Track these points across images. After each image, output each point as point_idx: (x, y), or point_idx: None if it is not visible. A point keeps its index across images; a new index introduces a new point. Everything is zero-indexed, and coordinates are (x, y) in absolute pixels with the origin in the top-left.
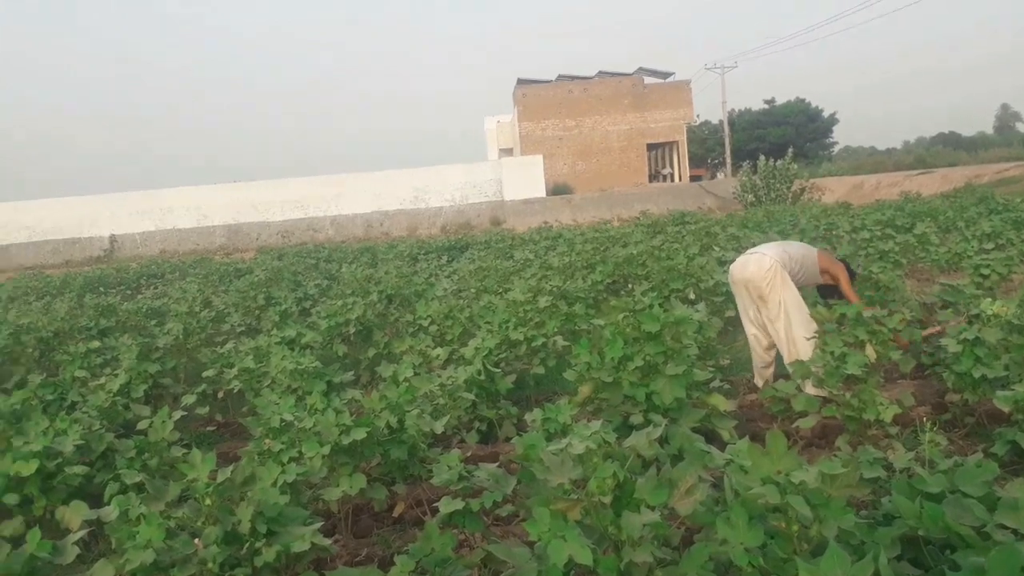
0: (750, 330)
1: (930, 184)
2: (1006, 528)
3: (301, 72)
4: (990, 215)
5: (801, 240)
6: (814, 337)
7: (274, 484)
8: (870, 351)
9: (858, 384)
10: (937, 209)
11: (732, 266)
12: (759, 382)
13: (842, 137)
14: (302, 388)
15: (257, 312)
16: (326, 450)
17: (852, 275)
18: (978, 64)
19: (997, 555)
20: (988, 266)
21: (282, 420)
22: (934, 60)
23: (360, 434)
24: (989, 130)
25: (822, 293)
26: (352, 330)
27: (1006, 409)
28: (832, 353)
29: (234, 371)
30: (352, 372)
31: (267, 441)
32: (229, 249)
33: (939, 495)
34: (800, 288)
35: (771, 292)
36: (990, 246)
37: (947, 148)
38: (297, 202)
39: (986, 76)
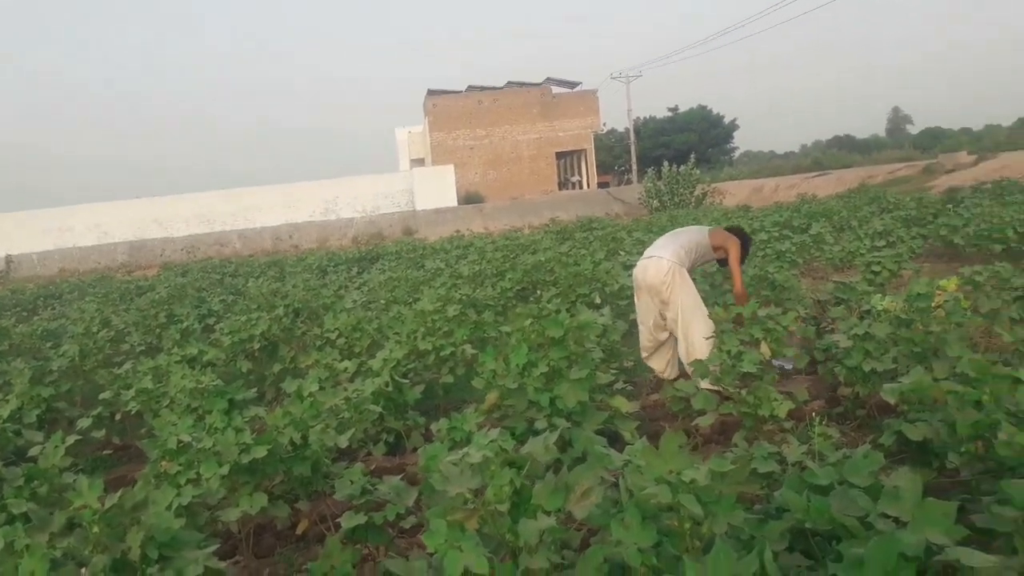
0: (643, 329)
1: (826, 186)
2: (888, 517)
3: (206, 86)
4: (882, 214)
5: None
6: (712, 337)
7: (169, 507)
8: (765, 349)
9: (754, 381)
10: (832, 210)
11: (634, 271)
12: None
13: (742, 142)
14: (202, 407)
15: (158, 331)
16: (225, 470)
17: (747, 242)
18: (871, 69)
19: (875, 544)
20: (879, 263)
21: (179, 441)
22: (829, 66)
23: (261, 452)
24: (882, 132)
25: (721, 263)
26: (257, 346)
27: (893, 401)
28: (728, 352)
29: (132, 392)
30: (256, 389)
31: (163, 463)
32: (132, 267)
33: (828, 487)
34: (703, 266)
35: (671, 295)
36: (881, 244)
37: (842, 151)
38: (203, 216)
39: (878, 80)
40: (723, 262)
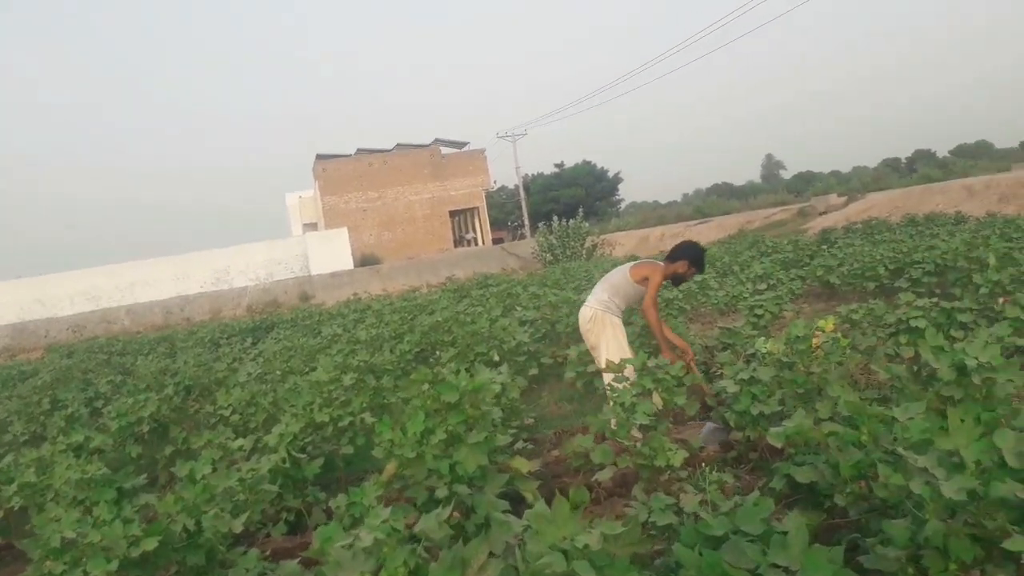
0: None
1: (708, 232)
2: (778, 567)
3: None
4: (761, 258)
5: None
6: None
7: None
8: (657, 399)
9: (649, 432)
10: (714, 255)
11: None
12: None
13: (628, 194)
14: (89, 498)
15: (42, 418)
16: (114, 566)
17: (696, 255)
18: (746, 118)
19: None
20: (761, 306)
21: (63, 538)
22: (705, 116)
23: (151, 544)
24: (757, 178)
25: (675, 282)
26: (146, 428)
27: (779, 445)
28: (622, 404)
29: (14, 487)
30: (147, 474)
31: (47, 563)
32: (14, 350)
33: (722, 538)
34: (637, 301)
35: (596, 340)
36: (763, 287)
37: (721, 198)
38: (88, 293)
39: (753, 129)
40: (677, 280)
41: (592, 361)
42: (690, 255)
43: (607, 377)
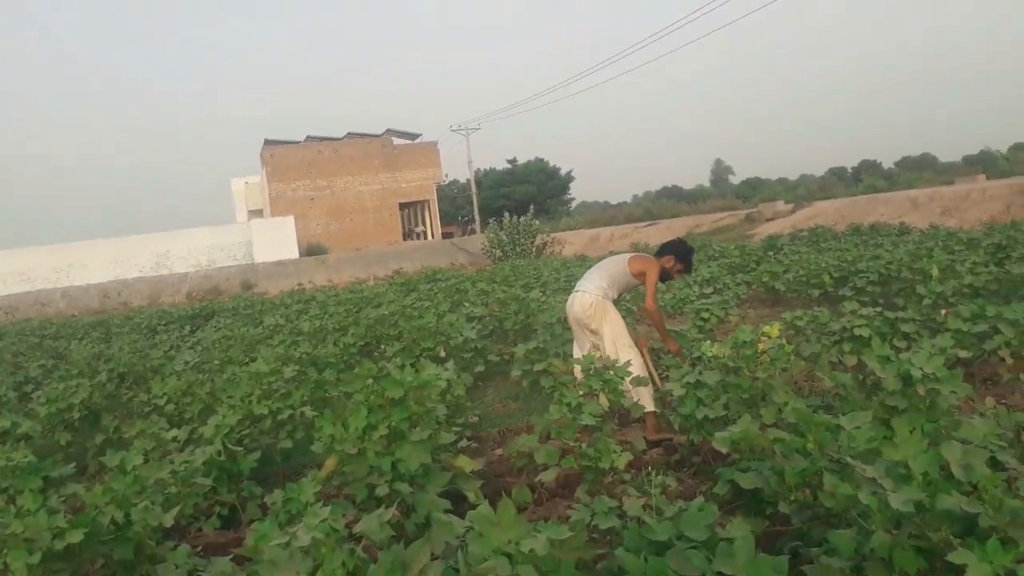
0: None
1: (656, 234)
2: (723, 575)
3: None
4: (708, 262)
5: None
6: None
7: None
8: (603, 400)
9: (594, 433)
10: None
11: (565, 305)
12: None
13: (578, 193)
14: (14, 487)
15: None
16: (36, 558)
17: (685, 253)
18: (696, 122)
19: None
20: (708, 310)
21: None
22: (656, 120)
23: (77, 536)
24: (706, 183)
25: (662, 278)
26: (77, 415)
27: (724, 450)
28: (568, 404)
29: None
30: (76, 463)
31: None
32: None
33: (666, 543)
34: (631, 292)
35: (598, 325)
36: (709, 291)
37: (671, 201)
38: (22, 274)
39: (703, 133)
40: (663, 277)
41: (540, 360)
42: (678, 251)
43: (624, 353)
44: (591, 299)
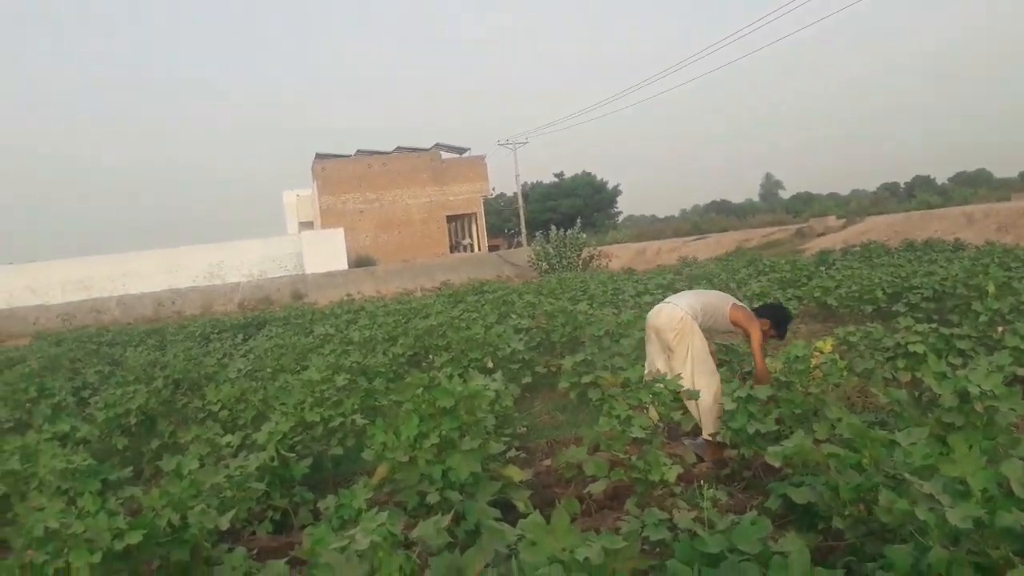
0: (648, 371)
1: (705, 248)
2: None
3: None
4: (758, 276)
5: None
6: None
7: None
8: (653, 413)
9: (643, 445)
10: (711, 272)
11: (649, 312)
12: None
13: (626, 207)
14: (74, 489)
15: (28, 405)
16: (97, 558)
17: (783, 319)
18: (746, 136)
19: None
20: None
21: (46, 527)
22: (705, 134)
23: (136, 537)
24: (756, 197)
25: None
26: (134, 420)
27: (777, 464)
28: (618, 417)
29: None
30: (132, 467)
31: (29, 552)
32: (2, 336)
33: (719, 556)
34: (710, 333)
35: (679, 342)
36: (758, 305)
37: (719, 215)
38: (80, 282)
39: (753, 148)
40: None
41: (587, 372)
42: (776, 317)
43: (701, 382)
44: (681, 314)
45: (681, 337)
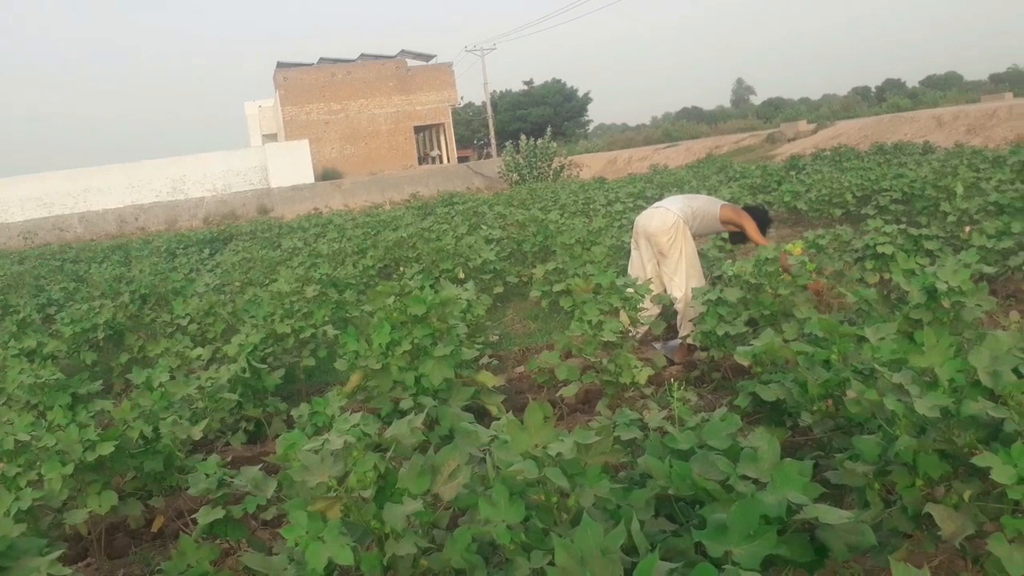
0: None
1: (676, 156)
2: (748, 478)
3: (40, 56)
4: (729, 182)
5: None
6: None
7: (7, 513)
8: (624, 317)
9: (614, 349)
10: (682, 179)
11: (637, 218)
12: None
13: (596, 115)
14: (43, 403)
15: None
16: (69, 469)
17: (766, 220)
18: (717, 42)
19: (737, 508)
20: None
21: (17, 440)
22: (676, 40)
23: (107, 448)
24: (727, 103)
25: (734, 240)
26: (101, 335)
27: (746, 363)
28: (589, 322)
29: None
30: (102, 381)
31: (0, 465)
32: None
33: (689, 451)
34: (701, 237)
35: (671, 247)
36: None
37: (690, 122)
38: (40, 199)
39: (724, 53)
40: (736, 237)
41: (559, 280)
42: (760, 219)
43: (693, 282)
44: (674, 219)
45: (674, 241)
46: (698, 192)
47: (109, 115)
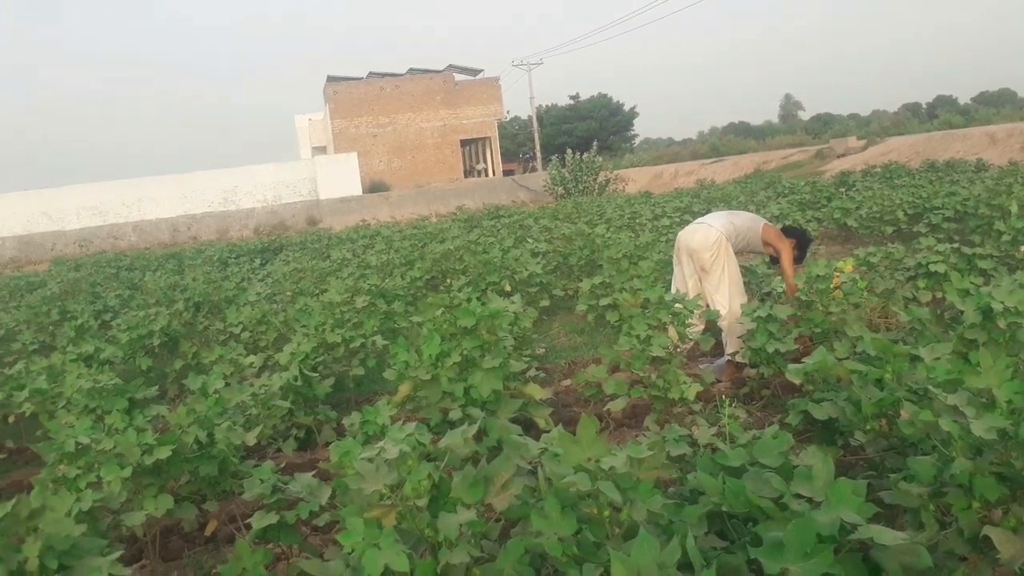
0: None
1: (723, 171)
2: (801, 497)
3: (99, 72)
4: (778, 198)
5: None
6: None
7: (68, 514)
8: (672, 333)
9: (663, 365)
10: (730, 194)
11: (680, 233)
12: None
13: (642, 129)
14: (101, 407)
15: (51, 328)
16: (127, 472)
17: (806, 242)
18: (765, 57)
19: (795, 527)
20: None
21: (77, 443)
22: (724, 54)
23: (165, 452)
24: (775, 119)
25: (773, 261)
26: (156, 342)
27: (797, 381)
28: (637, 336)
29: (25, 393)
30: (157, 387)
31: (61, 467)
32: (21, 262)
33: (740, 469)
34: (744, 254)
35: (714, 263)
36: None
37: (738, 137)
38: (95, 208)
39: (772, 68)
40: (774, 260)
41: (605, 294)
42: (800, 240)
43: (735, 300)
44: (716, 235)
45: (716, 258)
46: (746, 208)
47: (163, 125)
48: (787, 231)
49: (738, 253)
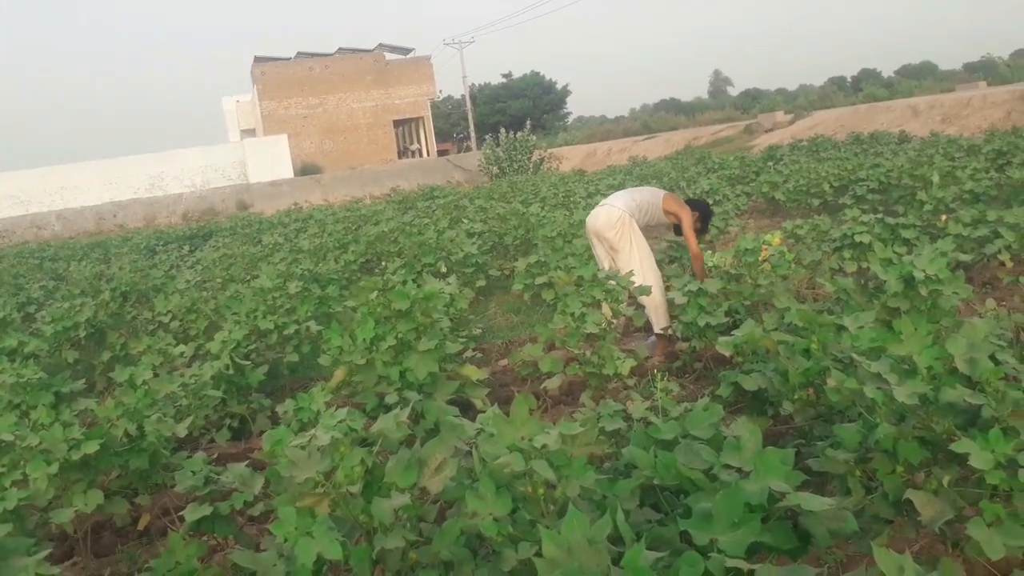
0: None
1: (655, 148)
2: (731, 467)
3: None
4: (708, 174)
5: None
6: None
7: None
8: (606, 309)
9: (597, 341)
10: (662, 171)
11: (587, 218)
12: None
13: (575, 107)
14: (26, 403)
15: None
16: (54, 468)
17: (708, 214)
18: (694, 34)
19: (722, 497)
20: None
21: (0, 441)
22: (654, 31)
23: (92, 447)
24: (705, 95)
25: (676, 232)
26: (83, 334)
27: (728, 353)
28: (572, 314)
29: None
30: (85, 380)
31: None
32: None
33: (672, 441)
34: (651, 228)
35: (620, 241)
36: (709, 202)
37: (669, 113)
38: (15, 197)
39: (701, 45)
40: (679, 229)
41: (541, 273)
42: (704, 212)
43: (648, 273)
44: (619, 214)
45: (621, 236)
46: (676, 184)
47: (84, 110)
48: (690, 203)
49: (648, 228)
